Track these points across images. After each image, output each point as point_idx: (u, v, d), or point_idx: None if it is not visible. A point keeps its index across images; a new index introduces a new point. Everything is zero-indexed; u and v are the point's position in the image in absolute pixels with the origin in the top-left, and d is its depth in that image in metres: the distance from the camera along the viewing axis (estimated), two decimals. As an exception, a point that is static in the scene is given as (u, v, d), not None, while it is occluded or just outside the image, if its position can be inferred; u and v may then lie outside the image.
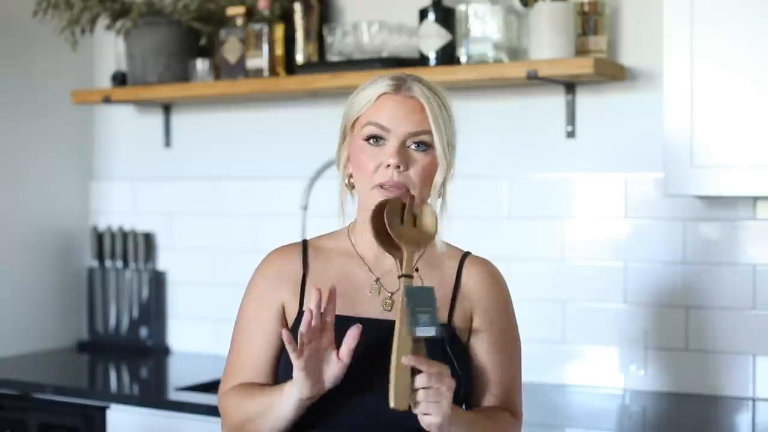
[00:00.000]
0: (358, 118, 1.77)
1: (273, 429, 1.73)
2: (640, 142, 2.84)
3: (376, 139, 1.74)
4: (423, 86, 1.76)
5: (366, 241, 1.81)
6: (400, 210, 1.68)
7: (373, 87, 1.77)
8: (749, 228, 2.73)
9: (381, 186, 1.73)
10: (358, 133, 1.77)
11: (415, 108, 1.74)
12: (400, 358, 1.57)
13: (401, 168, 1.72)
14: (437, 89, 1.78)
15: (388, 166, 1.72)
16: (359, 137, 1.76)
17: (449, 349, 1.74)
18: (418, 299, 1.60)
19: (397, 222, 1.67)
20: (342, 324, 1.74)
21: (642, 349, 2.80)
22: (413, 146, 1.74)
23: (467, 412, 1.75)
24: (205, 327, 3.47)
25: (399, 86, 1.75)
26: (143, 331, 3.56)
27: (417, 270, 1.71)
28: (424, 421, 1.59)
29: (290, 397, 1.69)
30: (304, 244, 1.87)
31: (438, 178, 1.76)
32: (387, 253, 1.71)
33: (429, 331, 1.59)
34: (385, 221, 1.65)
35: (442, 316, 1.77)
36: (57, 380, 3.14)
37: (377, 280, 1.81)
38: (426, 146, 1.74)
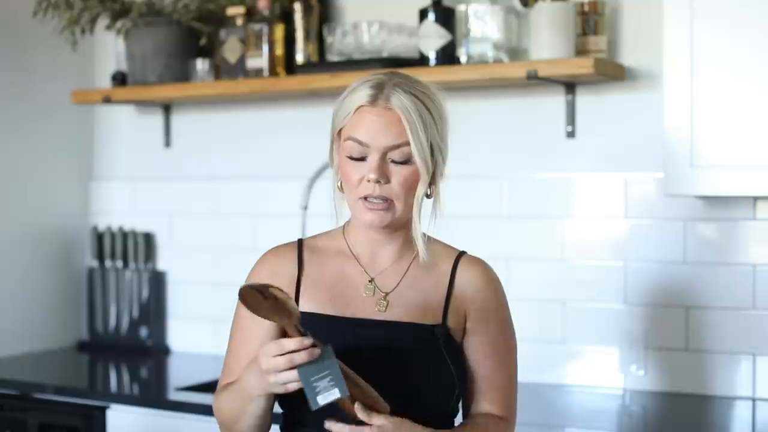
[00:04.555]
0: (341, 129, 1.77)
1: (255, 427, 1.76)
2: (640, 142, 2.84)
3: (357, 155, 1.74)
4: (402, 93, 1.72)
5: (360, 241, 1.82)
6: (258, 293, 1.59)
7: (354, 96, 1.75)
8: (749, 228, 2.73)
9: (365, 198, 1.74)
10: (341, 145, 1.77)
11: (393, 120, 1.72)
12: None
13: (382, 182, 1.72)
14: (419, 91, 1.74)
15: (369, 180, 1.72)
16: (343, 150, 1.76)
17: (444, 349, 1.74)
18: (312, 369, 1.58)
19: (261, 301, 1.59)
20: (336, 324, 1.74)
21: (642, 349, 2.80)
22: (394, 158, 1.73)
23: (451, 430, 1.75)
24: (205, 327, 3.47)
25: (376, 97, 1.72)
26: (143, 331, 3.56)
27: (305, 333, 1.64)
28: None
29: (255, 394, 1.70)
30: (300, 243, 1.87)
31: (420, 190, 1.75)
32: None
33: (332, 394, 1.58)
34: (249, 309, 1.60)
35: (437, 316, 1.78)
36: (57, 380, 3.14)
37: (371, 280, 1.81)
38: (407, 158, 1.73)
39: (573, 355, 2.94)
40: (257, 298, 1.57)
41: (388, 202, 1.74)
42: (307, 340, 1.58)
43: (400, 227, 1.80)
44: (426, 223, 1.79)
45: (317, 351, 1.58)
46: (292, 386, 1.61)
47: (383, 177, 1.72)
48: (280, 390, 1.64)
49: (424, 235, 1.80)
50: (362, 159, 1.74)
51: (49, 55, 3.54)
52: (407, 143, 1.72)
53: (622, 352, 2.83)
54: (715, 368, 2.76)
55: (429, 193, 1.78)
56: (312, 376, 1.58)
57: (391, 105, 1.72)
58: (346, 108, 1.76)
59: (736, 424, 2.62)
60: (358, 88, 1.75)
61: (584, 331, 2.92)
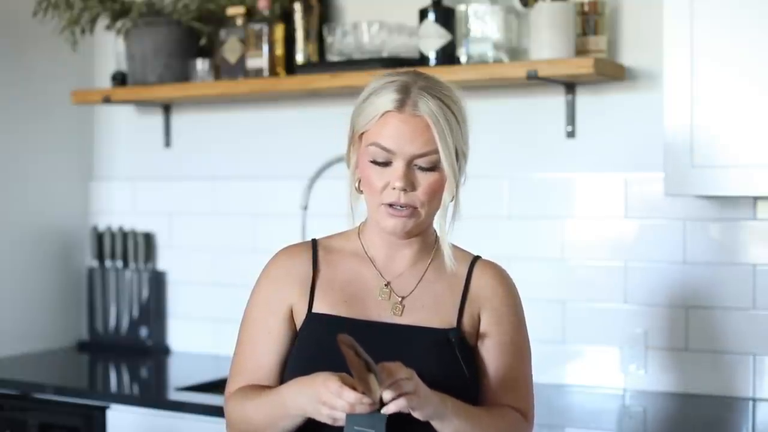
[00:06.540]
0: (363, 133, 1.74)
1: None
2: (640, 142, 2.84)
3: (381, 159, 1.71)
4: (430, 98, 1.69)
5: (376, 244, 1.81)
6: (354, 352, 1.57)
7: (378, 99, 1.71)
8: (749, 228, 2.73)
9: (389, 205, 1.72)
10: (364, 149, 1.73)
11: (421, 127, 1.69)
12: None
13: (407, 190, 1.70)
14: (444, 94, 1.71)
15: (395, 188, 1.70)
16: (365, 155, 1.73)
17: (458, 353, 1.73)
18: (361, 418, 1.58)
19: (355, 361, 1.57)
20: (350, 327, 1.71)
21: (642, 349, 2.80)
22: (420, 165, 1.71)
23: (468, 405, 1.71)
24: (205, 327, 3.47)
25: (403, 102, 1.69)
26: (143, 331, 3.56)
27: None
28: (415, 414, 1.60)
29: (295, 414, 1.68)
30: (314, 244, 1.85)
31: (446, 196, 1.73)
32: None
33: None
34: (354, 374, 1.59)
35: (451, 320, 1.77)
36: (57, 380, 3.14)
37: (387, 284, 1.79)
38: (433, 164, 1.70)
39: (573, 355, 2.94)
40: (352, 354, 1.55)
41: (411, 209, 1.72)
42: (367, 399, 1.57)
43: (419, 232, 1.78)
44: (446, 226, 1.77)
45: (375, 406, 1.58)
46: (339, 423, 1.61)
47: (409, 185, 1.70)
48: (327, 421, 1.62)
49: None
50: (386, 164, 1.71)
51: (49, 55, 3.54)
52: (435, 151, 1.69)
53: (622, 352, 2.83)
54: (715, 368, 2.76)
55: (451, 201, 1.76)
56: (357, 423, 1.59)
57: (419, 112, 1.69)
58: (370, 112, 1.72)
59: (736, 424, 2.62)
60: (382, 92, 1.71)
61: (584, 331, 2.92)
